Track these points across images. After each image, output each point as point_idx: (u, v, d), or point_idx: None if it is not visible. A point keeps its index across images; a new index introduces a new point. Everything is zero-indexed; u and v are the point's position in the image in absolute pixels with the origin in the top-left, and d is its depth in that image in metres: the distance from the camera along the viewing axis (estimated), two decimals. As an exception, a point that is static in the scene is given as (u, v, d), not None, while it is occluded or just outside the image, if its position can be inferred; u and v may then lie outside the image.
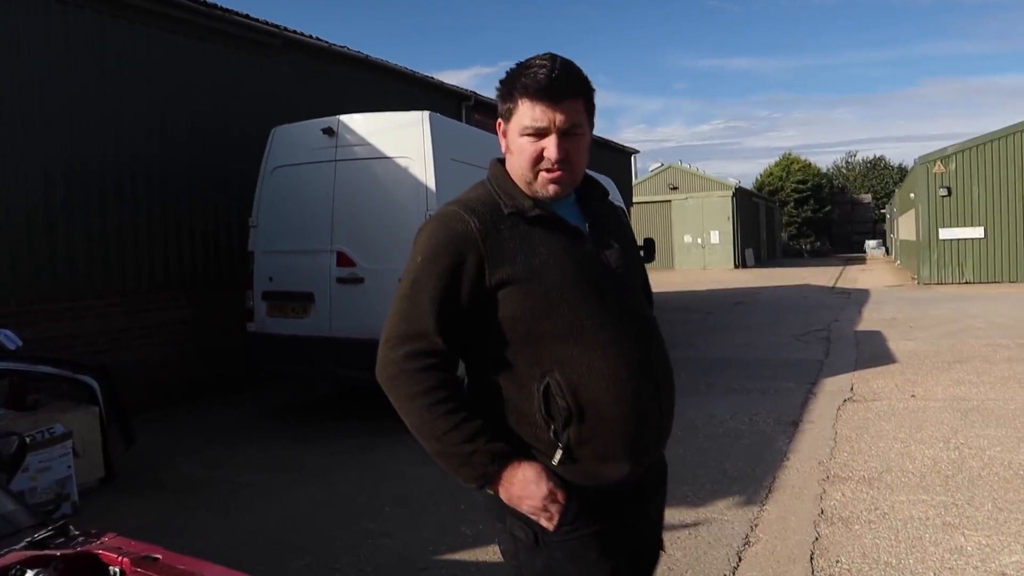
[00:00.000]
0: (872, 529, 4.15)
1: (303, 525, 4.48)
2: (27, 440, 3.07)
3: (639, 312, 1.81)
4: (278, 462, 5.79)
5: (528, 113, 1.69)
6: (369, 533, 4.32)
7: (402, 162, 6.53)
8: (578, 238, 1.76)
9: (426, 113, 6.59)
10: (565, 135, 1.69)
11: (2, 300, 6.58)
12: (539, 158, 1.70)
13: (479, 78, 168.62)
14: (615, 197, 10.71)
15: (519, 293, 1.67)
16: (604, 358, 1.68)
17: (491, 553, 3.93)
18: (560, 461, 1.67)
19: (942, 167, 24.56)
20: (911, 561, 3.75)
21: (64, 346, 7.02)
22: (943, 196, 24.43)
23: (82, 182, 7.25)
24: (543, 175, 1.72)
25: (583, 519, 1.69)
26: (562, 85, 1.68)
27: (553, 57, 1.71)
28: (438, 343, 1.68)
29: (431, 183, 6.37)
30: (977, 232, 24.21)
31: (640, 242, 11.09)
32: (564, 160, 1.70)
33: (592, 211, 1.84)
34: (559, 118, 1.68)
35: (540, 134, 1.69)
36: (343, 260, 6.64)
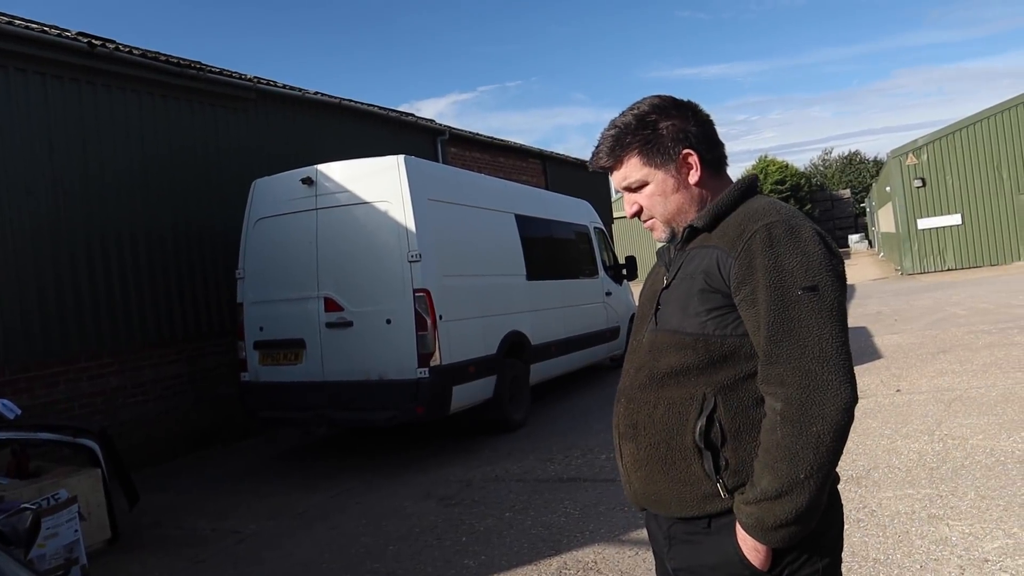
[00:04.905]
0: (860, 527, 4.28)
1: (310, 571, 4.57)
2: (37, 509, 3.18)
3: (635, 361, 1.82)
4: (281, 508, 5.89)
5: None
6: (375, 573, 4.42)
7: (381, 206, 6.69)
8: (658, 275, 1.87)
9: (401, 157, 6.77)
10: (631, 191, 1.82)
11: (-2, 369, 6.68)
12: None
13: (458, 105, 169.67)
14: (592, 219, 10.91)
15: None
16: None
17: (494, 582, 4.04)
18: None
19: (914, 159, 24.94)
20: (898, 556, 3.88)
21: (61, 410, 7.12)
22: (918, 187, 24.79)
23: (69, 245, 7.38)
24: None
25: None
26: (602, 156, 1.81)
27: (609, 125, 1.81)
28: None
29: (411, 224, 6.53)
30: (954, 219, 24.55)
31: (621, 260, 11.30)
32: (638, 213, 1.83)
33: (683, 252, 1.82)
34: (618, 181, 1.82)
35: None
36: (331, 305, 6.78)
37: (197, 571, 4.75)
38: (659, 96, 1.80)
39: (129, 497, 5.62)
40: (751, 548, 1.60)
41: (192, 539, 5.37)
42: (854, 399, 1.54)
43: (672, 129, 1.75)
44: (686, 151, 1.75)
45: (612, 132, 1.79)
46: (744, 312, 1.61)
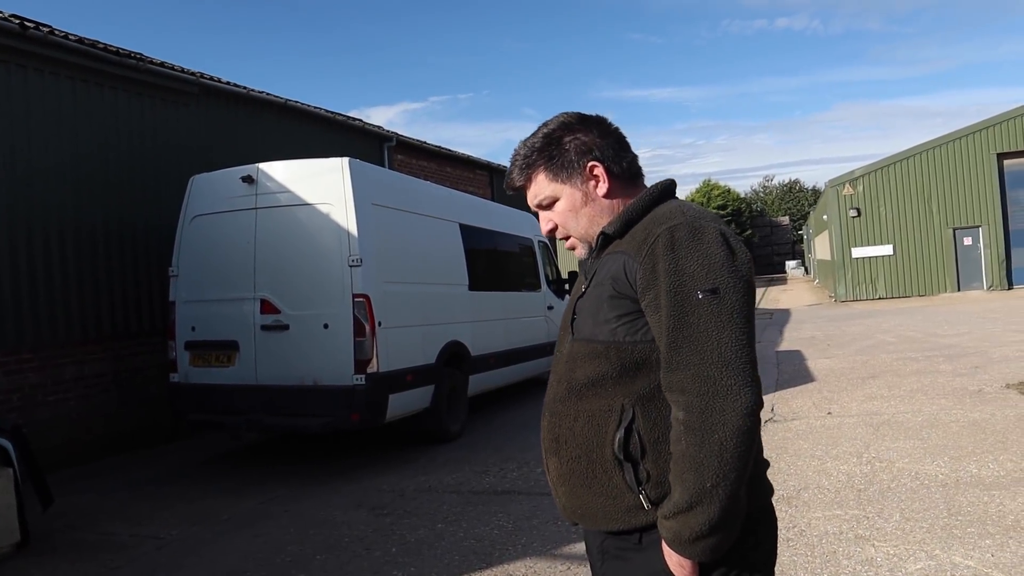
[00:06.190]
0: (790, 547, 4.32)
1: (232, 579, 4.42)
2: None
3: (556, 373, 1.80)
4: (206, 514, 5.69)
5: None
6: (300, 583, 4.29)
7: (323, 208, 6.57)
8: (579, 285, 1.85)
9: (346, 159, 6.66)
10: (544, 209, 1.83)
11: (-93, 362, 6.34)
12: None
13: (408, 113, 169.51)
14: (537, 232, 10.94)
15: None
16: None
17: (423, 595, 3.95)
18: None
19: (851, 189, 25.74)
20: (825, 575, 3.93)
21: (-25, 406, 6.79)
22: (853, 217, 25.58)
23: (-10, 234, 7.06)
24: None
25: None
26: (514, 176, 1.83)
27: (519, 145, 1.83)
28: None
29: (353, 228, 6.42)
30: (887, 250, 25.40)
31: (564, 275, 11.33)
32: (554, 229, 1.84)
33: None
34: (530, 200, 1.84)
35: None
36: (267, 307, 6.62)
37: (111, 578, 4.55)
38: (566, 113, 1.81)
39: (43, 499, 5.36)
40: (676, 563, 1.57)
41: (109, 544, 5.14)
42: (756, 403, 1.50)
43: (576, 143, 1.76)
44: (591, 163, 1.75)
45: (522, 152, 1.81)
46: (650, 318, 1.59)
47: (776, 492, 5.44)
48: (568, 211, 1.78)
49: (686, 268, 1.53)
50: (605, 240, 1.74)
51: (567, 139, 1.76)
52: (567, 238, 1.83)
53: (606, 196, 1.76)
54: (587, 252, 1.81)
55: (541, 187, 1.79)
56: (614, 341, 1.63)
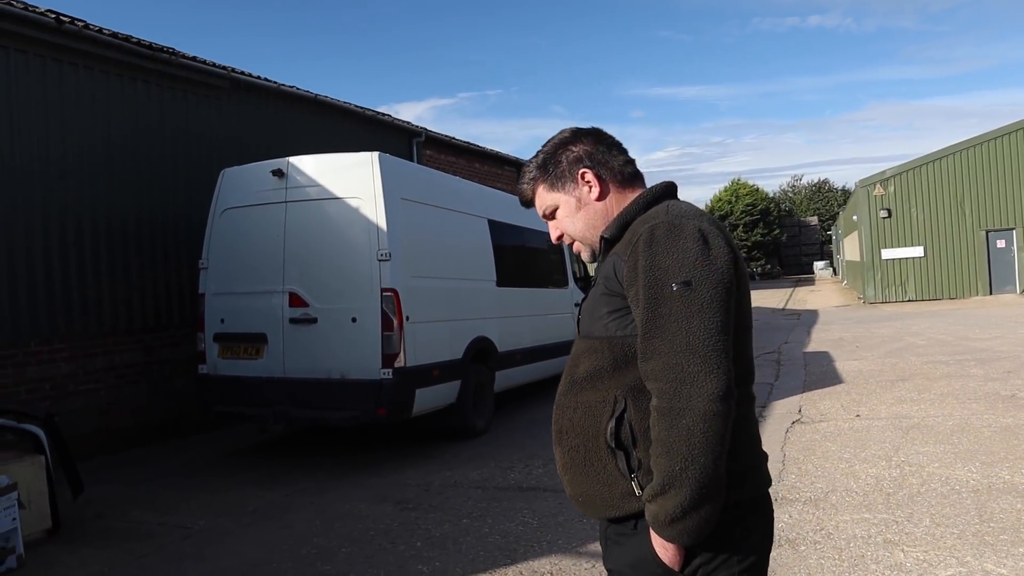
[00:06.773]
0: (817, 549, 4.28)
1: (258, 570, 4.45)
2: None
3: (565, 370, 1.89)
4: (232, 505, 5.74)
5: None
6: (325, 575, 4.31)
7: (353, 202, 6.59)
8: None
9: (376, 154, 6.68)
10: (550, 218, 1.99)
11: (-57, 350, 6.45)
12: None
13: (436, 110, 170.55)
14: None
15: None
16: None
17: (447, 590, 3.95)
18: None
19: (882, 190, 25.36)
20: (854, 579, 3.88)
21: (7, 394, 6.90)
22: (884, 218, 25.21)
23: (24, 225, 7.16)
24: None
25: None
26: (523, 191, 2.00)
27: (525, 164, 1.99)
28: None
29: (382, 223, 6.44)
30: (917, 251, 24.99)
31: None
32: (561, 236, 1.99)
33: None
34: (539, 212, 2.00)
35: None
36: (295, 301, 6.66)
37: (139, 566, 4.60)
38: (563, 130, 1.97)
39: (73, 487, 5.44)
40: (660, 546, 1.63)
41: (136, 533, 5.20)
42: (722, 390, 1.54)
43: (569, 155, 1.90)
44: (582, 170, 1.89)
45: (526, 169, 1.98)
46: (633, 312, 1.68)
47: (803, 494, 5.39)
48: (566, 217, 1.93)
49: (661, 263, 1.62)
50: (607, 244, 1.85)
51: (561, 152, 1.91)
52: (573, 242, 1.97)
53: (599, 199, 1.88)
54: (590, 255, 1.95)
55: (543, 199, 1.95)
56: (607, 336, 1.73)
